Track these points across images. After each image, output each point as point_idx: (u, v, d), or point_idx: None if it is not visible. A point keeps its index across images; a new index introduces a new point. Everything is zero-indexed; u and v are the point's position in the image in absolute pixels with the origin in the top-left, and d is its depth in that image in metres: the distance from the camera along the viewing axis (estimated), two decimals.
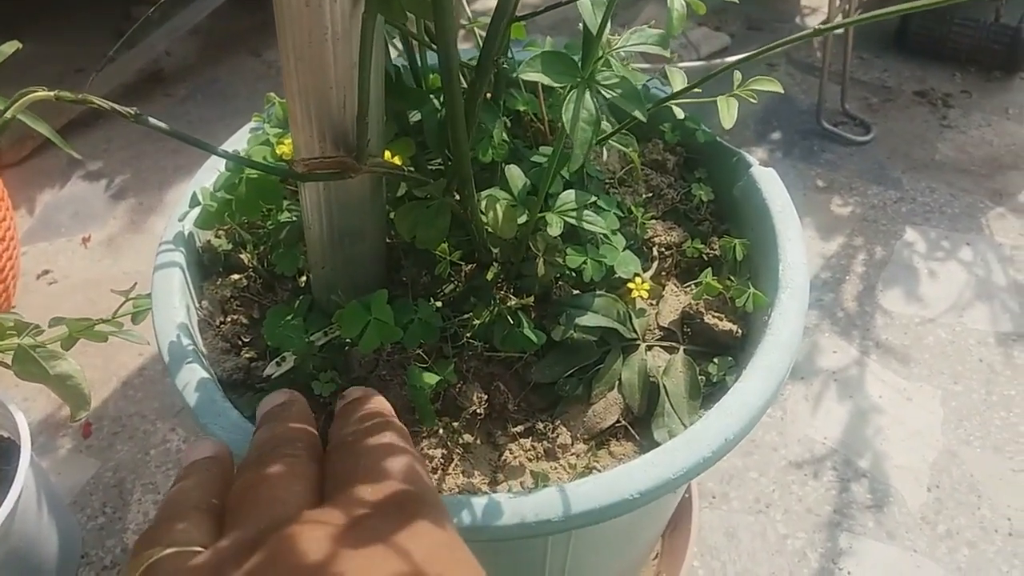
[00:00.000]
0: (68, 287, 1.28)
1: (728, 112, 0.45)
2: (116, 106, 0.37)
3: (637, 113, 0.41)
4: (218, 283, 0.58)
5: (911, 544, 0.93)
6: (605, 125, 0.58)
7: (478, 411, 0.53)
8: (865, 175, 1.42)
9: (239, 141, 0.63)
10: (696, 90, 0.51)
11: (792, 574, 0.91)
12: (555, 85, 0.40)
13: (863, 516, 0.96)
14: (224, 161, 0.60)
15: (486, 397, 0.53)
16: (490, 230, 0.50)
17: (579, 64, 0.42)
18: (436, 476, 0.51)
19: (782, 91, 0.46)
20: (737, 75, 0.47)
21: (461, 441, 0.53)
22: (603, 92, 0.41)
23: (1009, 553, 0.92)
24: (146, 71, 1.71)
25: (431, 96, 0.50)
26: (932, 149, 1.48)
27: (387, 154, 0.48)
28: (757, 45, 1.44)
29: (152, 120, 0.38)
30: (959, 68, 1.67)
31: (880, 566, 0.91)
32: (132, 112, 0.37)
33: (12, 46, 0.93)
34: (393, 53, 0.55)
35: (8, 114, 0.38)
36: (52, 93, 0.38)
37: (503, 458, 0.53)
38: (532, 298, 0.54)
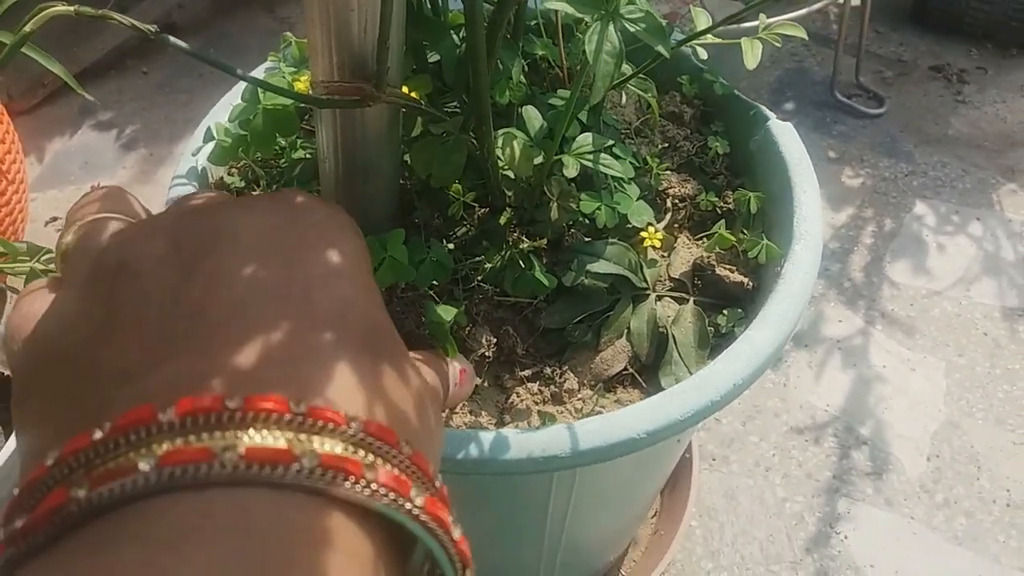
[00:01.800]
0: None
1: (752, 52, 0.44)
2: (136, 23, 0.37)
3: (660, 48, 0.40)
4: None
5: (909, 512, 0.94)
6: (625, 67, 0.58)
7: (487, 354, 0.53)
8: (877, 148, 1.42)
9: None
10: (717, 36, 0.51)
11: (789, 537, 0.91)
12: (579, 15, 0.40)
13: (862, 483, 0.96)
14: (239, 98, 0.60)
15: (495, 340, 0.53)
16: (506, 169, 0.50)
17: None
18: (444, 415, 0.51)
19: (805, 36, 0.45)
20: (762, 18, 0.46)
21: None
22: (627, 25, 0.41)
23: (1006, 523, 0.92)
24: (158, 23, 1.69)
25: (451, 32, 0.49)
26: (945, 124, 1.47)
27: (404, 89, 0.48)
28: (773, 13, 1.42)
29: (172, 39, 0.38)
30: (976, 44, 1.65)
31: (877, 532, 0.92)
32: (153, 29, 0.37)
33: None
34: None
35: (28, 27, 0.38)
36: (72, 8, 0.38)
37: (510, 401, 0.53)
38: (544, 242, 0.54)
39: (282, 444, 0.20)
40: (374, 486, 0.20)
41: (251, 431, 0.20)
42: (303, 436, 0.20)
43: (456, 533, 0.22)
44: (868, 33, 1.55)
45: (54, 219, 1.31)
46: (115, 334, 0.23)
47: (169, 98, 1.52)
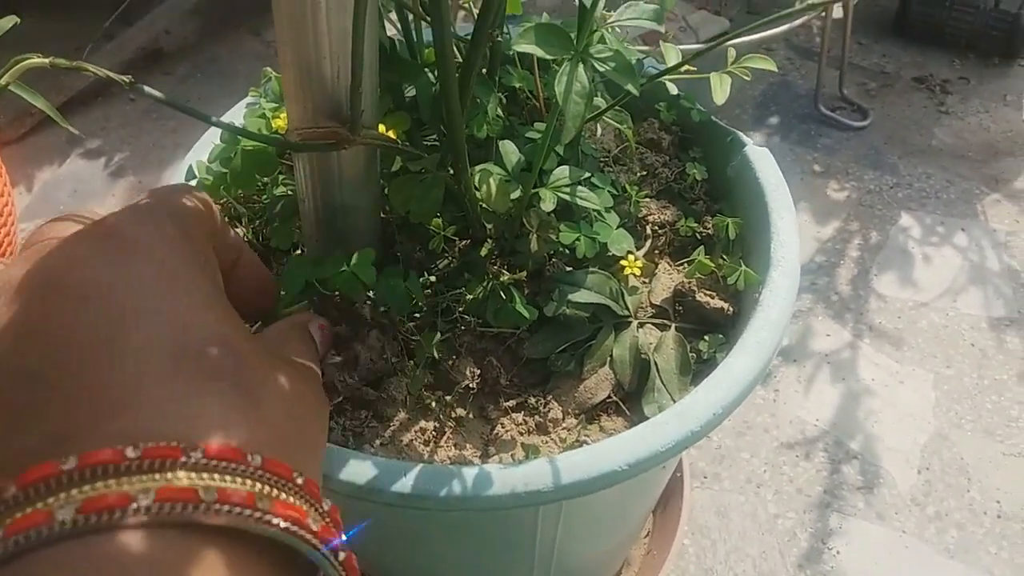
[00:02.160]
0: None
1: (721, 88, 0.45)
2: (111, 73, 0.38)
3: (630, 87, 0.41)
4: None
5: (900, 525, 0.94)
6: (599, 101, 0.58)
7: (471, 385, 0.53)
8: (862, 160, 1.43)
9: (235, 116, 0.63)
10: (691, 68, 0.51)
11: (782, 553, 0.92)
12: (547, 57, 0.40)
13: (853, 497, 0.96)
14: (219, 134, 0.61)
15: (479, 372, 0.54)
16: (484, 205, 0.50)
17: (573, 38, 0.42)
18: (428, 448, 0.52)
19: (775, 69, 0.46)
20: (731, 52, 0.47)
21: (453, 415, 0.53)
22: (596, 65, 0.41)
23: (997, 535, 0.93)
24: (145, 49, 1.71)
25: (426, 70, 0.50)
26: (929, 135, 1.48)
27: (382, 128, 0.48)
28: (756, 30, 1.44)
29: (147, 89, 0.38)
30: (958, 54, 1.67)
31: (869, 546, 0.92)
32: (127, 80, 0.38)
33: (10, 20, 0.93)
34: (390, 31, 0.55)
35: (2, 80, 0.38)
36: (47, 60, 0.39)
37: (495, 432, 0.53)
38: (525, 274, 0.54)
39: (119, 490, 0.21)
40: (216, 505, 0.21)
41: (89, 487, 0.21)
42: (144, 477, 0.21)
43: (314, 524, 0.24)
44: (851, 45, 1.56)
45: None
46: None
47: (157, 124, 1.52)
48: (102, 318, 0.25)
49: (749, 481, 0.97)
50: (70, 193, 1.41)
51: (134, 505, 0.20)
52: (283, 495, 0.23)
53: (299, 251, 0.58)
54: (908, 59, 1.67)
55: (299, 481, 0.24)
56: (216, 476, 0.22)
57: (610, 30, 0.49)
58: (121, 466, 0.21)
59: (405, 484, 0.44)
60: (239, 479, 0.22)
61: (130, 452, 0.21)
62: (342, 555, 0.24)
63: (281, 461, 0.24)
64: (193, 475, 0.22)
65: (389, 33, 0.54)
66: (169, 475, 0.21)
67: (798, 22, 1.32)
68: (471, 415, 0.54)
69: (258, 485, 0.23)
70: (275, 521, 0.22)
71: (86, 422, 0.23)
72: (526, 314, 0.52)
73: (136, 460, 0.21)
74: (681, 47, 0.63)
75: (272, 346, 0.37)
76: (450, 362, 0.54)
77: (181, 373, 0.25)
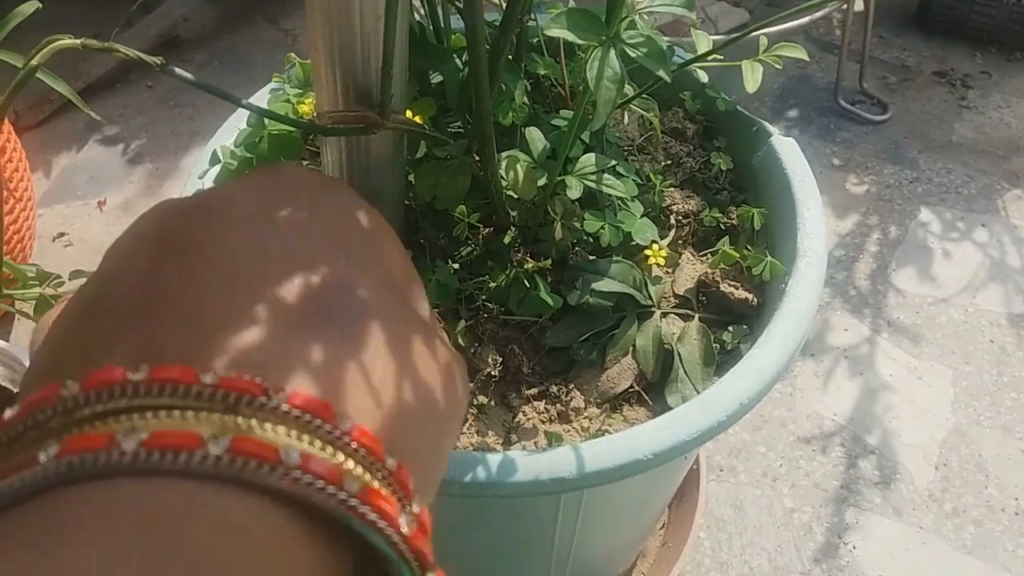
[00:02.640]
0: (84, 250, 1.29)
1: (752, 76, 0.44)
2: (143, 55, 0.38)
3: (661, 72, 0.40)
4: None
5: (917, 521, 0.94)
6: (627, 88, 0.58)
7: (493, 373, 0.53)
8: (881, 154, 1.41)
9: (259, 101, 0.63)
10: (718, 56, 0.51)
11: (798, 548, 0.91)
12: (579, 42, 0.40)
13: (870, 492, 0.96)
14: (244, 120, 0.61)
15: (501, 360, 0.54)
16: (509, 191, 0.50)
17: (604, 23, 0.42)
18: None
19: (806, 58, 0.46)
20: (763, 40, 0.47)
21: (476, 402, 0.53)
22: (628, 51, 0.41)
23: (1015, 532, 0.92)
24: (163, 37, 1.71)
25: (454, 56, 0.50)
26: (950, 130, 1.47)
27: (408, 113, 0.48)
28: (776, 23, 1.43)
29: (178, 70, 0.38)
30: (980, 48, 1.65)
31: (886, 542, 0.92)
32: (159, 61, 0.37)
33: (32, 6, 0.94)
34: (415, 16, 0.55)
35: (34, 61, 0.38)
36: (78, 41, 0.38)
37: (517, 420, 0.53)
38: (549, 262, 0.54)
39: (190, 427, 0.18)
40: (297, 473, 0.18)
41: (162, 411, 0.19)
42: (218, 416, 0.19)
43: (405, 526, 0.20)
44: (871, 38, 1.55)
45: (61, 235, 1.32)
46: (98, 312, 0.22)
47: (174, 112, 1.53)
48: (240, 243, 0.24)
49: (765, 475, 0.97)
50: (88, 179, 1.42)
51: (202, 451, 0.18)
52: (369, 477, 0.20)
53: None
54: (929, 53, 1.65)
55: (390, 464, 0.21)
56: (301, 435, 0.19)
57: (639, 16, 0.49)
58: (192, 389, 0.19)
59: None
60: (324, 444, 0.19)
61: (207, 378, 0.19)
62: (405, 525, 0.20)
63: (375, 434, 0.21)
64: (275, 427, 0.19)
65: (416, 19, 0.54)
66: (251, 421, 0.19)
67: (819, 14, 1.31)
68: (493, 403, 0.54)
69: (342, 456, 0.20)
70: (363, 510, 0.19)
71: (183, 339, 0.21)
72: (550, 302, 0.52)
73: (210, 387, 0.19)
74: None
75: (432, 321, 0.32)
76: (472, 350, 0.54)
77: (292, 313, 0.22)
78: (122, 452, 0.18)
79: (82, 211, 1.36)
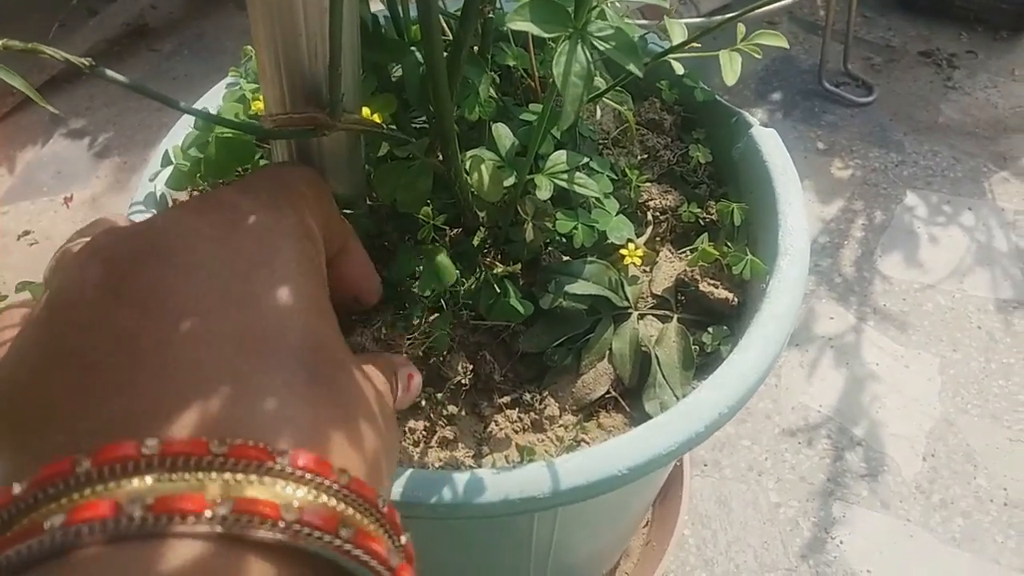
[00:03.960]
0: (50, 248, 1.26)
1: (731, 67, 0.42)
2: (69, 57, 0.35)
3: (632, 67, 0.38)
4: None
5: (905, 513, 0.92)
6: (599, 81, 0.55)
7: (463, 381, 0.51)
8: (867, 137, 1.39)
9: (215, 97, 0.60)
10: (695, 45, 0.48)
11: (784, 543, 0.90)
12: (544, 35, 0.37)
13: (857, 485, 0.94)
14: (194, 120, 0.58)
15: (471, 367, 0.51)
16: (475, 192, 0.47)
17: (572, 14, 0.39)
18: (419, 448, 0.49)
19: (787, 46, 0.43)
20: (741, 29, 0.44)
21: (445, 412, 0.51)
22: (596, 44, 0.38)
23: (1004, 523, 0.91)
24: (131, 25, 1.66)
25: (413, 48, 0.47)
26: (936, 111, 1.45)
27: (366, 111, 0.45)
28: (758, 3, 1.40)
29: (109, 72, 0.35)
30: (966, 27, 1.63)
31: (873, 535, 0.90)
32: (88, 63, 0.35)
33: None
34: (375, 6, 0.52)
35: None
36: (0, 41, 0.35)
37: (488, 430, 0.51)
38: (519, 265, 0.51)
39: (196, 490, 0.19)
40: (296, 526, 0.19)
41: (167, 476, 0.19)
42: (225, 477, 0.20)
43: (394, 560, 0.21)
44: (856, 18, 1.52)
45: (27, 232, 1.28)
46: (51, 371, 0.22)
47: (142, 103, 1.48)
48: (204, 291, 0.24)
49: (750, 469, 0.95)
50: (54, 174, 1.38)
51: (209, 513, 0.19)
52: (366, 521, 0.21)
53: None
54: (914, 33, 1.63)
55: (383, 508, 0.23)
56: (300, 489, 0.20)
57: (610, 4, 0.46)
58: (204, 460, 0.20)
59: (393, 490, 0.42)
60: (323, 495, 0.21)
61: (215, 447, 0.20)
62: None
63: (367, 483, 0.22)
64: (277, 485, 0.20)
65: (374, 8, 0.51)
66: (252, 479, 0.20)
67: None
68: (463, 412, 0.52)
69: (341, 505, 0.21)
70: (356, 553, 0.20)
71: (172, 401, 0.21)
72: (520, 309, 0.50)
73: (220, 457, 0.20)
74: (684, 20, 0.60)
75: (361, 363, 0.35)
76: (441, 357, 0.51)
77: (278, 371, 0.23)
78: (130, 518, 0.18)
79: (48, 207, 1.32)
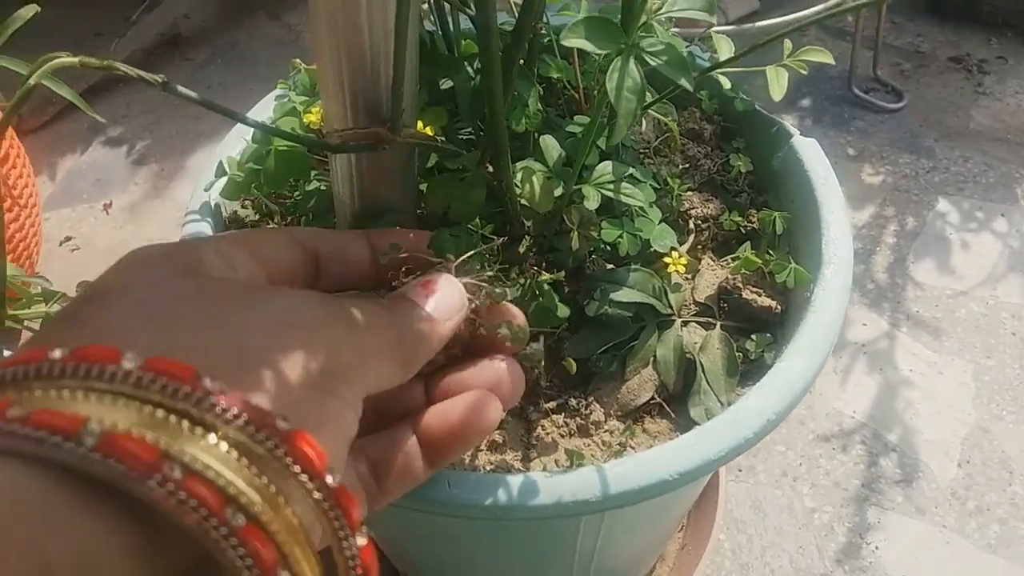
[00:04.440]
0: (91, 254, 1.28)
1: (778, 83, 0.43)
2: (143, 73, 0.36)
3: (684, 82, 0.39)
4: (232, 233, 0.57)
5: (940, 520, 0.92)
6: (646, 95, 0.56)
7: None
8: (897, 143, 1.39)
9: (264, 109, 0.62)
10: (741, 58, 0.49)
11: (819, 548, 0.90)
12: (598, 51, 0.38)
13: (892, 491, 0.94)
14: (251, 129, 0.59)
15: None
16: (525, 203, 0.48)
17: (623, 30, 0.40)
18: (468, 454, 0.50)
19: (832, 62, 0.44)
20: (787, 45, 0.45)
21: None
22: (648, 59, 0.39)
23: None
24: (164, 35, 1.69)
25: (464, 63, 0.48)
26: (966, 117, 1.44)
27: (419, 124, 0.47)
28: (786, 9, 1.40)
29: (181, 89, 0.37)
30: (995, 32, 1.62)
31: (909, 541, 0.90)
32: (160, 80, 0.36)
33: (31, 10, 0.92)
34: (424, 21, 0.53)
35: (32, 80, 0.37)
36: (76, 59, 0.37)
37: (535, 434, 0.52)
38: (563, 273, 0.53)
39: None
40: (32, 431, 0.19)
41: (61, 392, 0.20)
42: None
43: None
44: (884, 24, 1.52)
45: (68, 239, 1.31)
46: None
47: (179, 111, 1.51)
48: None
49: (785, 475, 0.96)
50: (93, 182, 1.41)
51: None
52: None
53: None
54: (943, 38, 1.62)
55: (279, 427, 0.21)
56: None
57: (657, 21, 0.47)
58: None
59: (448, 492, 0.43)
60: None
61: (127, 361, 0.20)
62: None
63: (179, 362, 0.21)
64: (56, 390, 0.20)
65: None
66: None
67: (832, 1, 1.28)
68: (510, 417, 0.53)
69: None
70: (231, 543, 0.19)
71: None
72: (558, 312, 0.51)
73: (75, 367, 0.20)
74: (716, 28, 0.60)
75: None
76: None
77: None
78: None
79: (88, 214, 1.35)
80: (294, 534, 0.20)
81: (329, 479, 0.21)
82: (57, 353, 0.20)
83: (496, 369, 0.37)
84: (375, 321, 0.29)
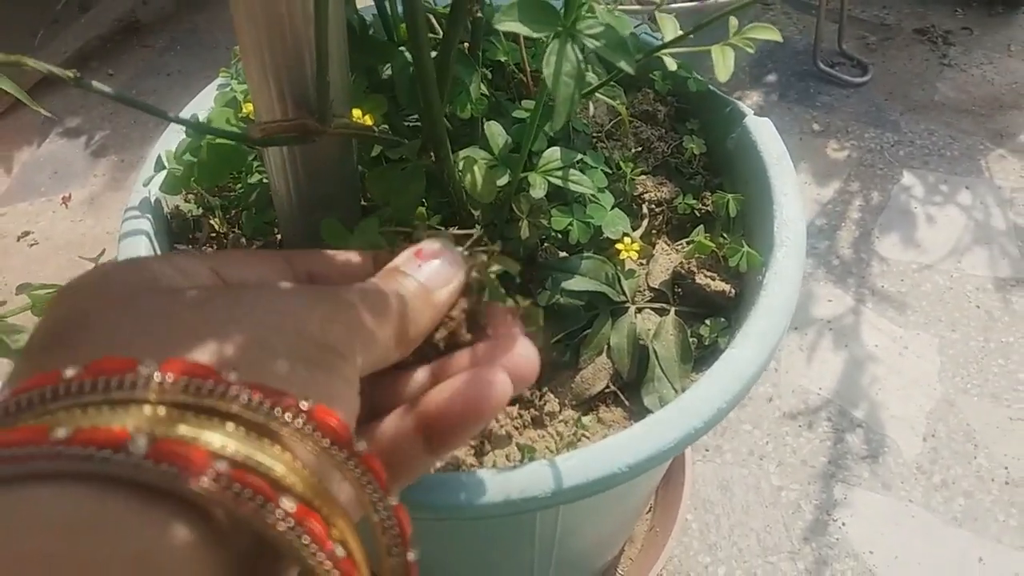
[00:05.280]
0: (50, 248, 1.26)
1: (724, 63, 0.42)
2: (53, 68, 0.34)
3: (624, 65, 0.38)
4: (189, 250, 0.55)
5: (907, 494, 0.93)
6: (591, 77, 0.55)
7: None
8: (862, 117, 1.39)
9: (206, 98, 0.60)
10: (688, 37, 0.48)
11: (787, 526, 0.90)
12: (533, 35, 0.37)
13: (858, 467, 0.95)
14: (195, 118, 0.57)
15: None
16: (469, 193, 0.47)
17: (561, 12, 0.39)
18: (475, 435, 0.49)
19: (780, 39, 0.43)
20: (733, 22, 0.44)
21: None
22: (586, 42, 0.38)
23: (1006, 502, 0.91)
24: (122, 21, 1.65)
25: (401, 48, 0.47)
26: (931, 89, 1.44)
27: (356, 113, 0.45)
28: None
29: (95, 83, 0.35)
30: (960, 3, 1.62)
31: (875, 517, 0.91)
32: (72, 75, 0.34)
33: None
34: (361, 3, 0.51)
35: None
36: None
37: (489, 427, 0.51)
38: (518, 266, 0.51)
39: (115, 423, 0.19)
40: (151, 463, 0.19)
41: (94, 408, 0.20)
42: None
43: (339, 550, 0.20)
44: None
45: (26, 233, 1.28)
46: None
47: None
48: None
49: (752, 453, 0.96)
50: (51, 175, 1.37)
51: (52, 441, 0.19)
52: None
53: (279, 236, 0.55)
54: (909, 10, 1.62)
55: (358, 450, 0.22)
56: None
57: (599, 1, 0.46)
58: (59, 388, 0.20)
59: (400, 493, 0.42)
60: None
61: (143, 369, 0.20)
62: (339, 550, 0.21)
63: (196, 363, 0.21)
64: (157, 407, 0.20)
65: (360, 5, 0.50)
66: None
67: None
68: None
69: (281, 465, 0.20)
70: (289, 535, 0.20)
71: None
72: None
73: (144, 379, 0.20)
74: (674, 6, 0.59)
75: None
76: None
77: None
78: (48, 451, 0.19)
79: (46, 208, 1.32)
80: (336, 508, 0.21)
81: (358, 447, 0.22)
82: (70, 372, 0.20)
83: (506, 344, 0.32)
84: (363, 297, 0.28)
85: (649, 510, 0.90)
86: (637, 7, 1.00)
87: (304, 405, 0.21)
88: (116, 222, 1.29)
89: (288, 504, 0.20)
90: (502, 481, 0.42)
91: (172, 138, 0.58)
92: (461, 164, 0.46)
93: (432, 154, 0.47)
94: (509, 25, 0.38)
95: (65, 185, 1.36)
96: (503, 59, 0.55)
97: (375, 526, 0.23)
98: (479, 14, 0.46)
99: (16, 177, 1.38)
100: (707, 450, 0.96)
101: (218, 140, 0.45)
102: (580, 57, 0.39)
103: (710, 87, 0.62)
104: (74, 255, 1.24)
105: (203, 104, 0.60)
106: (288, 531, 0.20)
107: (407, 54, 0.47)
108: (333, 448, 0.22)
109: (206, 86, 0.61)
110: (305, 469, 0.21)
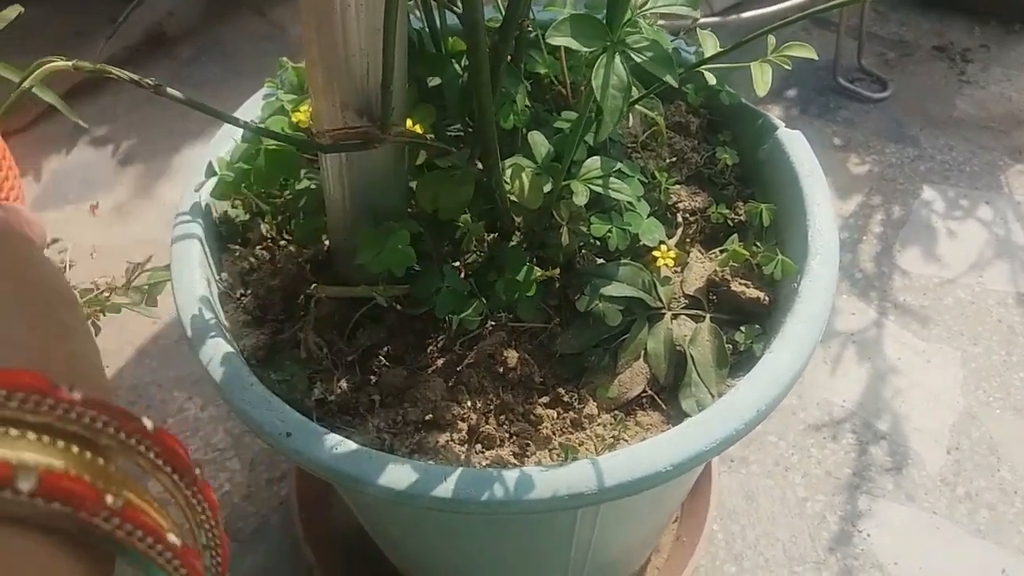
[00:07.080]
0: (78, 255, 1.27)
1: (763, 78, 0.43)
2: (135, 77, 0.36)
3: (669, 79, 0.39)
4: (237, 255, 0.57)
5: (930, 506, 0.93)
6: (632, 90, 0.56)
7: (513, 369, 0.52)
8: (882, 133, 1.40)
9: (252, 108, 0.62)
10: (727, 52, 0.49)
11: (812, 537, 0.91)
12: (583, 49, 0.39)
13: (882, 478, 0.95)
14: (239, 129, 0.59)
15: (518, 355, 0.53)
16: (515, 199, 0.49)
17: (607, 26, 0.40)
18: (464, 448, 0.50)
19: (816, 57, 0.44)
20: (771, 40, 0.45)
21: (489, 410, 0.52)
22: (633, 56, 0.39)
23: None
24: (149, 32, 1.68)
25: (452, 60, 0.48)
26: (950, 105, 1.45)
27: (409, 122, 0.47)
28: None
29: (171, 91, 0.37)
30: (978, 21, 1.63)
31: (899, 528, 0.91)
32: (151, 83, 0.36)
33: (15, 10, 0.92)
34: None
35: (26, 84, 0.37)
36: (70, 63, 0.37)
37: (530, 429, 0.52)
38: (557, 270, 0.53)
39: None
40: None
41: None
42: None
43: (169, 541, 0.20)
44: (868, 13, 1.52)
45: (55, 240, 1.30)
46: None
47: (165, 110, 1.50)
48: None
49: (777, 464, 0.96)
50: (79, 182, 1.40)
51: None
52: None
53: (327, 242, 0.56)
54: (927, 27, 1.63)
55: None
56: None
57: (642, 16, 0.47)
58: None
59: (446, 489, 0.43)
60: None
61: None
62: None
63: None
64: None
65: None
66: None
67: None
68: (505, 413, 0.53)
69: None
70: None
71: None
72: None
73: None
74: (701, 20, 0.60)
75: None
76: (492, 355, 0.53)
77: None
78: None
79: (75, 216, 1.34)
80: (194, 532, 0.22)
81: (196, 471, 0.23)
82: None
83: None
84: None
85: (675, 520, 0.90)
86: (661, 22, 1.02)
87: (149, 427, 0.21)
88: (143, 229, 1.31)
89: (174, 540, 0.20)
90: (549, 478, 0.44)
91: (221, 145, 0.59)
92: (509, 172, 0.47)
93: (479, 162, 0.48)
94: (561, 40, 0.39)
95: (93, 193, 1.38)
96: (543, 72, 0.57)
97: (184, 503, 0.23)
98: (530, 29, 0.47)
99: (45, 184, 1.40)
100: (732, 461, 0.97)
101: (275, 146, 0.47)
102: (627, 70, 0.40)
103: (742, 100, 0.63)
104: (103, 262, 1.26)
105: (250, 112, 0.61)
106: (172, 568, 0.20)
107: (456, 66, 0.49)
108: (120, 434, 0.22)
109: (231, 95, 0.63)
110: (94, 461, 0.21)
